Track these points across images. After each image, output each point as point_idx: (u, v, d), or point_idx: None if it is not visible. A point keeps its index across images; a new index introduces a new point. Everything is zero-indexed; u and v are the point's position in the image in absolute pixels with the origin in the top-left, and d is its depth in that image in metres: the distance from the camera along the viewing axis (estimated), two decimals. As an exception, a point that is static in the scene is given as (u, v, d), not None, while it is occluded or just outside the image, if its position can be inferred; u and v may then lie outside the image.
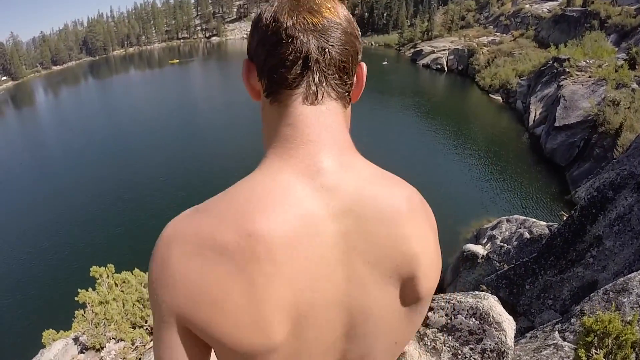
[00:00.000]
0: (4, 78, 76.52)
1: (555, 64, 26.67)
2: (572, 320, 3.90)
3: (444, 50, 47.93)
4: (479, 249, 11.70)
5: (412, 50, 56.16)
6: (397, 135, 27.13)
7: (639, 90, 19.97)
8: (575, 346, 3.18)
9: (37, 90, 68.12)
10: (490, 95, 34.26)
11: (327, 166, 0.62)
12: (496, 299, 2.95)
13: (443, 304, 3.04)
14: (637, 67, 22.20)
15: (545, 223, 11.23)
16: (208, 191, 0.69)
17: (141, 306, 4.85)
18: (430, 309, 3.09)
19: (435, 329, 2.99)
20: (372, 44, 71.56)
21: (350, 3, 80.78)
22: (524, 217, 12.24)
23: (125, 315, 4.83)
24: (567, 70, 24.60)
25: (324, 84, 0.64)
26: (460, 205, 17.79)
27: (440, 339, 2.93)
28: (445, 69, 46.04)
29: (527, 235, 10.65)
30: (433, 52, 49.26)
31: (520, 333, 5.39)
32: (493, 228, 12.82)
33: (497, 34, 48.57)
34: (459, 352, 2.81)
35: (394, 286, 0.66)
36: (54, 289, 14.38)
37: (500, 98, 32.99)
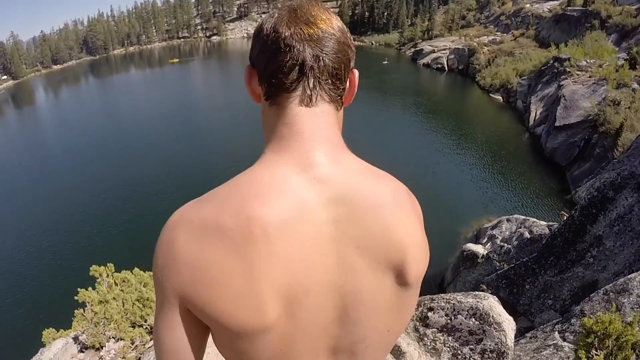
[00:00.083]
0: (5, 77, 76.46)
1: (555, 64, 26.66)
2: (572, 320, 3.89)
3: (444, 49, 47.88)
4: (479, 249, 11.69)
5: (412, 49, 56.08)
6: (398, 135, 27.11)
7: (640, 90, 19.96)
8: (575, 347, 3.18)
9: (38, 89, 68.04)
10: (490, 94, 34.24)
11: (319, 160, 0.69)
12: (496, 299, 2.95)
13: (443, 304, 3.03)
14: (637, 67, 22.17)
15: (545, 223, 11.23)
16: (208, 190, 0.71)
17: (141, 305, 4.84)
18: (430, 309, 3.08)
19: (435, 329, 2.98)
20: (372, 44, 71.49)
21: (350, 2, 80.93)
22: (524, 217, 12.24)
23: (125, 314, 4.83)
24: (568, 70, 24.59)
25: (317, 88, 0.70)
26: (461, 204, 17.79)
27: (440, 339, 2.92)
28: (446, 68, 46.00)
29: (527, 235, 10.64)
30: (433, 51, 49.21)
31: (520, 333, 5.38)
32: (493, 228, 12.82)
33: (498, 33, 48.52)
34: (459, 352, 2.80)
35: (384, 272, 0.70)
36: (54, 288, 14.39)
37: (500, 97, 32.96)
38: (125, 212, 19.44)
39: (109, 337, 4.59)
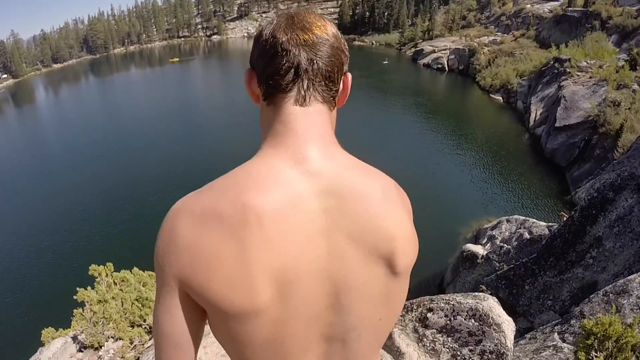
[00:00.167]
0: (5, 76, 76.34)
1: (556, 64, 26.65)
2: (572, 321, 3.89)
3: (444, 49, 47.86)
4: (479, 249, 11.69)
5: (413, 49, 56.07)
6: (398, 135, 27.10)
7: (640, 91, 19.94)
8: (575, 348, 3.17)
9: (38, 88, 67.97)
10: (490, 95, 34.22)
11: (312, 155, 0.73)
12: (496, 300, 2.94)
13: (443, 304, 3.03)
14: (638, 67, 22.15)
15: (545, 224, 11.22)
16: (208, 189, 0.72)
17: (140, 305, 4.84)
18: (430, 309, 3.07)
19: (435, 330, 2.98)
20: (373, 43, 71.49)
21: (351, 2, 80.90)
22: (524, 218, 12.23)
23: (124, 314, 4.82)
24: (568, 70, 24.57)
25: (311, 90, 0.76)
26: (460, 205, 17.78)
27: (439, 340, 2.91)
28: (446, 68, 45.98)
29: (527, 235, 10.64)
30: (434, 51, 49.20)
31: (519, 334, 5.38)
32: (493, 228, 12.81)
33: (498, 33, 48.50)
34: (458, 353, 2.80)
35: (373, 261, 0.74)
36: (54, 287, 14.38)
37: (500, 98, 32.95)
38: (124, 212, 19.43)
39: (108, 337, 4.59)
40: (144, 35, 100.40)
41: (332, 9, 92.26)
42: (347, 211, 0.73)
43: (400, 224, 0.78)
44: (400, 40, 63.63)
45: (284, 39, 0.74)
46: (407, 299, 3.50)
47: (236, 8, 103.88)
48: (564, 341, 3.68)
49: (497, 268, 9.80)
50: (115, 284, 5.34)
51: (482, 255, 11.04)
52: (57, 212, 20.16)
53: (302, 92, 0.75)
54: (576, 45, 29.62)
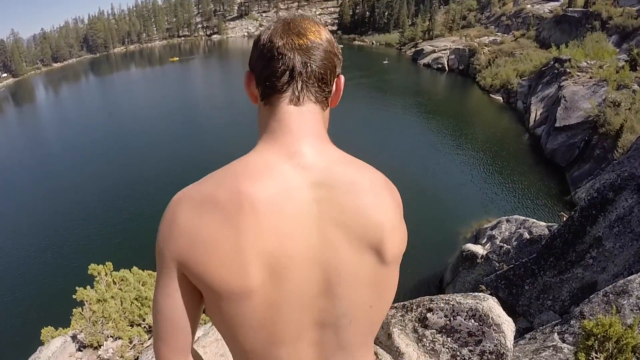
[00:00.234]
0: (5, 75, 76.19)
1: (556, 65, 26.65)
2: (572, 322, 3.88)
3: (444, 49, 47.85)
4: (479, 249, 11.69)
5: (413, 49, 56.06)
6: (398, 135, 27.09)
7: (640, 91, 19.93)
8: (575, 348, 3.17)
9: (38, 87, 67.89)
10: (490, 95, 34.22)
11: (304, 150, 0.78)
12: (496, 300, 2.94)
13: (442, 305, 3.02)
14: (638, 68, 22.15)
15: (545, 224, 11.22)
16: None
17: (139, 304, 4.83)
18: (430, 309, 3.07)
19: (434, 330, 2.97)
20: (373, 43, 71.47)
21: (351, 2, 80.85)
22: (523, 218, 12.22)
23: (123, 313, 4.82)
24: (568, 70, 24.58)
25: (305, 91, 0.81)
26: (460, 204, 17.77)
27: (439, 340, 2.91)
28: (446, 68, 45.98)
29: (526, 235, 10.63)
30: (434, 51, 49.18)
31: (519, 334, 5.37)
32: (493, 228, 12.80)
33: (498, 34, 48.50)
34: (458, 353, 2.79)
35: (362, 249, 0.78)
36: (53, 287, 14.37)
37: (500, 98, 32.94)
38: (124, 211, 19.43)
39: (107, 336, 4.58)
40: (144, 35, 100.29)
41: (333, 9, 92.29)
42: (337, 202, 0.77)
43: (388, 215, 0.82)
44: (401, 40, 63.62)
45: (280, 44, 0.79)
46: (406, 299, 3.50)
47: (236, 7, 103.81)
48: (563, 341, 3.67)
49: (496, 268, 9.80)
50: (114, 283, 5.34)
51: (482, 255, 11.04)
52: (57, 212, 20.15)
53: (297, 93, 0.81)
54: (576, 46, 29.61)
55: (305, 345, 0.81)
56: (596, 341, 2.43)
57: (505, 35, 46.65)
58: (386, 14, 75.54)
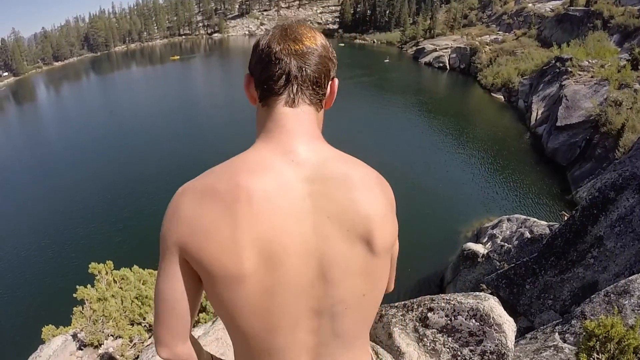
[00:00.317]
0: (6, 74, 76.15)
1: (557, 64, 26.59)
2: (573, 322, 3.87)
3: (446, 48, 47.78)
4: (480, 248, 11.67)
5: (414, 48, 55.96)
6: (399, 133, 27.06)
7: (642, 90, 19.87)
8: (576, 348, 3.16)
9: (39, 86, 67.86)
10: (492, 94, 34.17)
11: (298, 148, 0.84)
12: (497, 300, 2.93)
13: (443, 304, 3.02)
14: (639, 67, 22.09)
15: (546, 223, 11.20)
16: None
17: (139, 303, 4.83)
18: (430, 309, 3.06)
19: (435, 330, 2.96)
20: (374, 42, 71.37)
21: (352, 0, 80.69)
22: (524, 217, 12.21)
23: (123, 312, 4.81)
24: (570, 69, 24.52)
25: (300, 93, 0.87)
26: (461, 203, 17.76)
27: (439, 339, 2.90)
28: (448, 67, 45.91)
29: (527, 234, 10.62)
30: (435, 50, 49.11)
31: (519, 333, 5.36)
32: (494, 227, 12.80)
33: (500, 32, 48.40)
34: (459, 353, 2.79)
35: (353, 240, 0.83)
36: (54, 285, 14.39)
37: (502, 97, 32.90)
38: (125, 210, 19.44)
39: (108, 335, 4.58)
40: (145, 33, 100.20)
41: (334, 7, 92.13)
42: (329, 195, 0.82)
43: (377, 208, 0.86)
44: (402, 39, 63.52)
45: (277, 49, 0.85)
46: (407, 298, 3.49)
47: (237, 6, 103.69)
48: (564, 341, 3.67)
49: (497, 267, 9.79)
50: (115, 282, 5.34)
51: (483, 254, 11.02)
52: (58, 210, 20.17)
53: (292, 96, 0.87)
54: (578, 45, 29.55)
55: (303, 333, 0.85)
56: (598, 342, 2.42)
57: (507, 34, 46.55)
58: (387, 12, 75.41)
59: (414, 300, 3.23)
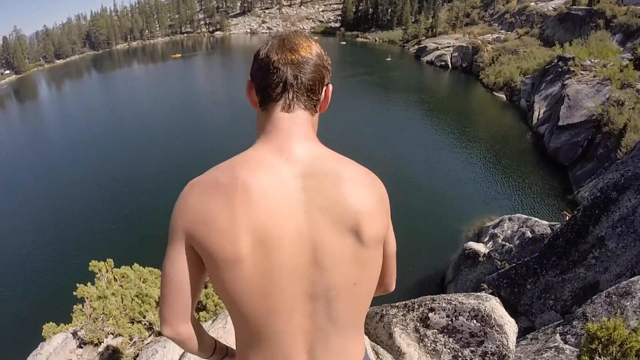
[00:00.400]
0: (7, 72, 76.19)
1: (559, 63, 26.50)
2: (574, 322, 3.85)
3: (448, 47, 47.66)
4: (481, 247, 11.65)
5: (416, 46, 55.85)
6: (400, 132, 27.01)
7: (644, 90, 19.80)
8: (577, 349, 3.14)
9: (40, 84, 67.89)
10: (494, 93, 34.09)
11: (293, 148, 0.93)
12: (498, 300, 2.91)
13: (444, 304, 3.00)
14: (642, 67, 22.01)
15: (547, 222, 11.17)
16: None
17: (140, 301, 4.82)
18: (432, 309, 3.05)
19: (436, 330, 2.95)
20: (376, 40, 71.26)
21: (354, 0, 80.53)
22: (526, 216, 12.17)
23: (123, 310, 4.81)
24: (572, 69, 24.43)
25: (295, 99, 0.96)
26: (462, 202, 17.73)
27: (440, 340, 2.89)
28: (449, 66, 45.80)
29: (529, 234, 10.59)
30: (437, 48, 48.99)
31: (520, 333, 5.35)
32: (495, 226, 12.77)
33: (502, 31, 48.28)
34: (460, 354, 2.77)
35: (342, 231, 0.90)
36: (55, 283, 14.40)
37: (504, 96, 32.81)
38: (126, 208, 19.44)
39: (107, 333, 4.57)
40: (147, 31, 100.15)
41: (336, 5, 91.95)
42: (321, 189, 0.90)
43: (365, 202, 0.93)
44: (404, 37, 63.39)
45: (275, 59, 0.94)
46: (408, 297, 3.48)
47: (239, 4, 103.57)
48: (565, 342, 3.65)
49: (498, 267, 9.77)
50: (115, 280, 5.33)
51: (484, 254, 11.00)
52: (59, 208, 20.19)
53: (288, 102, 0.96)
54: (580, 44, 29.44)
55: (299, 317, 0.92)
56: (600, 345, 2.40)
57: (509, 33, 46.44)
58: (389, 10, 75.28)
59: (415, 300, 3.22)
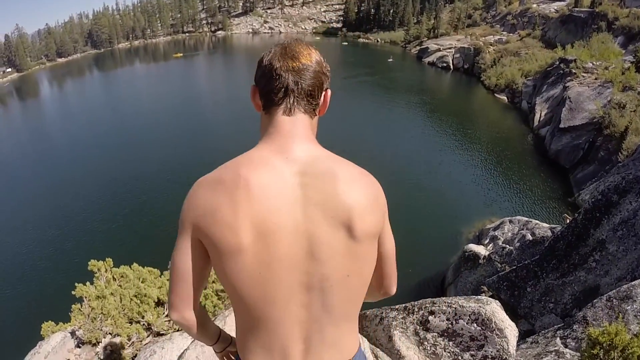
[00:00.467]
0: (9, 70, 76.22)
1: (561, 65, 26.48)
2: (574, 326, 3.83)
3: (450, 48, 47.65)
4: (481, 250, 11.62)
5: (418, 47, 55.84)
6: (401, 133, 27.01)
7: (646, 93, 19.77)
8: (577, 354, 3.12)
9: (42, 82, 67.93)
10: (495, 94, 34.06)
11: (293, 148, 1.01)
12: (499, 304, 2.89)
13: (445, 308, 2.98)
14: (644, 69, 21.98)
15: (548, 225, 11.14)
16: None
17: (138, 301, 4.80)
18: (432, 312, 3.03)
19: (436, 334, 2.93)
20: (377, 41, 71.24)
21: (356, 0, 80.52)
22: (526, 219, 12.14)
23: (122, 310, 4.79)
24: (574, 71, 24.41)
25: (296, 104, 1.04)
26: (463, 204, 17.70)
27: (440, 343, 2.87)
28: (451, 67, 45.78)
29: (529, 237, 10.57)
30: (439, 50, 48.98)
31: (520, 336, 5.32)
32: (495, 229, 12.74)
33: (504, 33, 48.28)
34: (460, 358, 2.75)
35: (335, 225, 0.97)
36: (54, 282, 14.38)
37: (505, 98, 32.79)
38: (126, 207, 19.43)
39: (106, 333, 4.55)
40: (149, 30, 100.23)
41: (338, 6, 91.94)
42: (317, 187, 0.97)
43: (359, 199, 0.99)
44: (406, 38, 63.38)
45: (277, 66, 1.02)
46: (407, 299, 3.45)
47: (241, 4, 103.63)
48: (566, 346, 3.63)
49: (499, 269, 9.74)
50: (114, 279, 5.31)
51: (484, 256, 10.97)
52: (59, 206, 20.18)
53: (289, 106, 1.04)
54: (582, 46, 29.41)
55: (296, 306, 0.98)
56: (602, 350, 2.38)
57: (511, 34, 46.44)
58: (391, 11, 75.27)
59: (415, 302, 3.20)
